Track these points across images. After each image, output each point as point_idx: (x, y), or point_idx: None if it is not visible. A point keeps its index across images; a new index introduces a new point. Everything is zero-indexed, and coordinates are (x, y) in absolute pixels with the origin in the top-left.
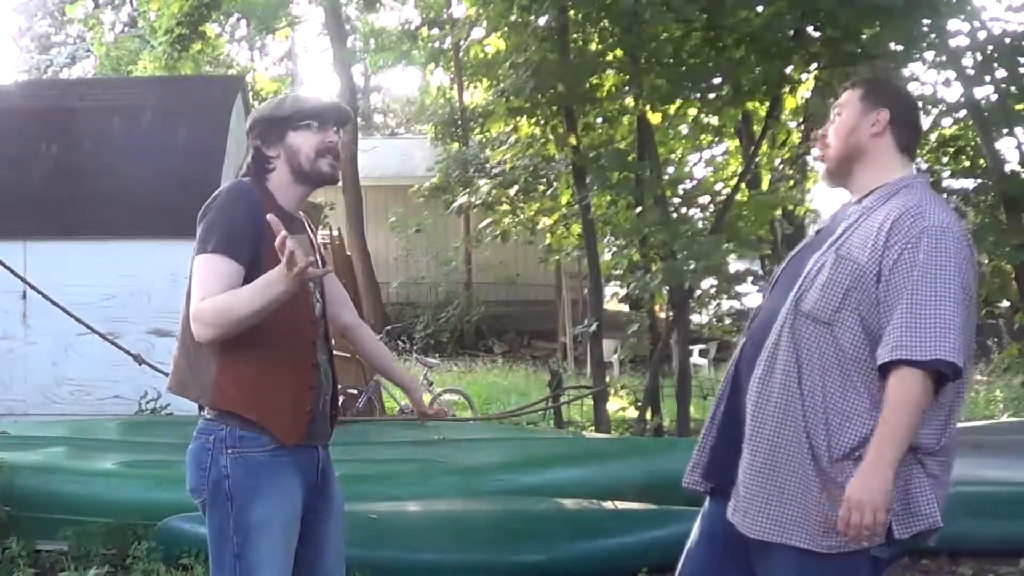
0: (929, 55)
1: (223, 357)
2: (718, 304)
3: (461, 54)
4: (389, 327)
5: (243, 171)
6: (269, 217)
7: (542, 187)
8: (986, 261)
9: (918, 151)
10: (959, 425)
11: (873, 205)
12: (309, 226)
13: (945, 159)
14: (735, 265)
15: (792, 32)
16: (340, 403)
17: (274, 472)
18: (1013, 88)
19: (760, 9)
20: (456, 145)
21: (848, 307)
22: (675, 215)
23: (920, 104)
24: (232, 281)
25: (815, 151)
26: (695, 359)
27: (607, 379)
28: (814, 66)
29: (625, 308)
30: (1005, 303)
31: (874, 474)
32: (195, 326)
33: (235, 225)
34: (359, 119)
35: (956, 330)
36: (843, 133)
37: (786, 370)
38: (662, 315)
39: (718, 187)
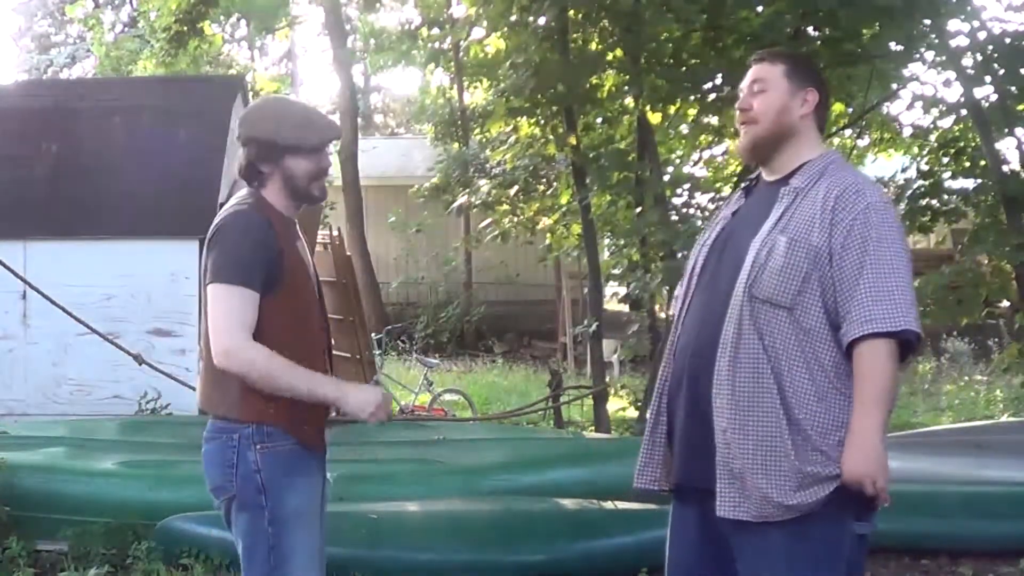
0: (929, 55)
1: None
2: None
3: (461, 54)
4: (389, 327)
5: (237, 174)
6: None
7: (542, 187)
8: (986, 261)
9: (917, 151)
10: (959, 425)
11: (805, 185)
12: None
13: (945, 159)
14: None
15: (792, 32)
16: None
17: (303, 463)
18: (1013, 88)
19: (760, 9)
20: (456, 145)
21: (809, 290)
22: (675, 215)
23: (921, 104)
24: (251, 308)
25: (739, 125)
26: None
27: (607, 379)
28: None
29: (625, 308)
30: (1005, 303)
31: (867, 445)
32: (230, 360)
33: (247, 254)
34: (359, 119)
35: (914, 301)
36: (773, 113)
37: (754, 358)
38: (662, 315)
39: (718, 187)
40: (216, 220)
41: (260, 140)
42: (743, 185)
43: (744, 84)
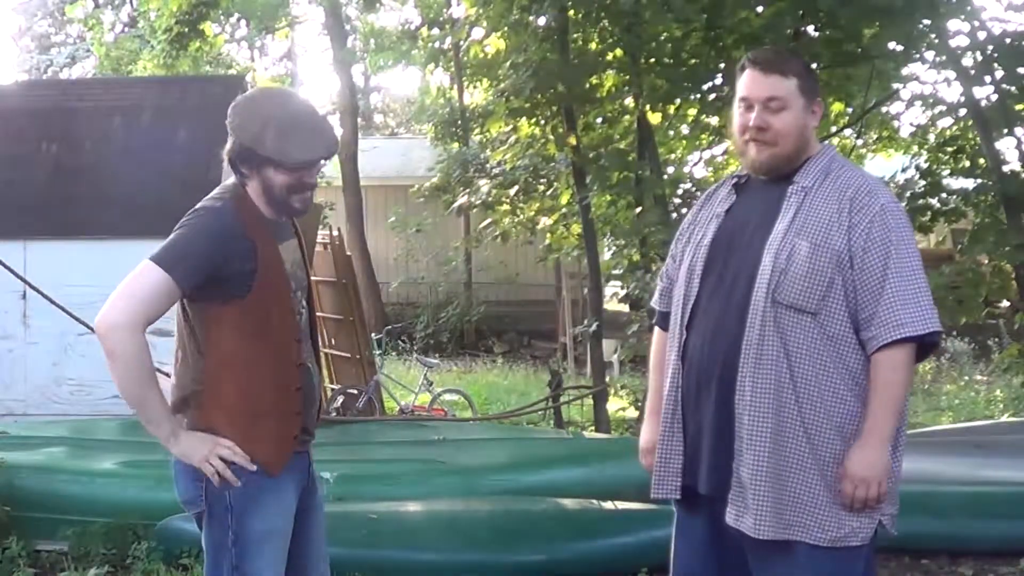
0: (929, 55)
1: (208, 380)
2: None
3: (461, 54)
4: (389, 327)
5: (225, 163)
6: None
7: (542, 187)
8: (986, 261)
9: (918, 150)
10: (959, 425)
11: (812, 183)
12: (296, 229)
13: (945, 159)
14: None
15: (792, 32)
16: (330, 402)
17: (274, 483)
18: (1013, 88)
19: (760, 9)
20: (456, 145)
21: (833, 294)
22: (675, 215)
23: (920, 104)
24: (165, 300)
25: (748, 141)
26: None
27: (607, 379)
28: (814, 66)
29: (625, 308)
30: (1005, 303)
31: (875, 448)
32: (110, 334)
33: (197, 253)
34: (359, 119)
35: (932, 301)
36: (795, 135)
37: (776, 365)
38: None
39: None
40: (197, 205)
41: (241, 143)
42: (732, 181)
43: (756, 95)
